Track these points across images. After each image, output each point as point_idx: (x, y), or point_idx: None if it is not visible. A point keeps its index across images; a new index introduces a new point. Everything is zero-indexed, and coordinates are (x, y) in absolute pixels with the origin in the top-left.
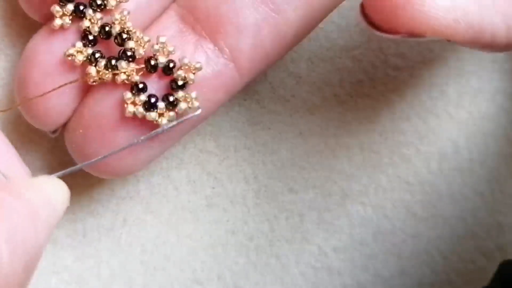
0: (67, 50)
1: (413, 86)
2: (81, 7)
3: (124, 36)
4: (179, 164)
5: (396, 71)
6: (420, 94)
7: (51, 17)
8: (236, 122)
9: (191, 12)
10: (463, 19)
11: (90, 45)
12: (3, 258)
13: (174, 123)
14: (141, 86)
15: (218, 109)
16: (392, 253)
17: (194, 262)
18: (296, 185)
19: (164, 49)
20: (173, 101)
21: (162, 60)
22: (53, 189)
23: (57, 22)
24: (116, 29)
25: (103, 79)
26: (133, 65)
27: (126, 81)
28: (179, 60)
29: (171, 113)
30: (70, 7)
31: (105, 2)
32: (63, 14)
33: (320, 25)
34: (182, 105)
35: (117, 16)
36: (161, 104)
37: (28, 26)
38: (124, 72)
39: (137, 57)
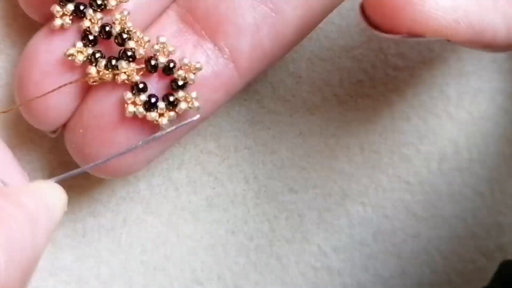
0: (67, 50)
1: (413, 86)
2: (81, 7)
3: (125, 36)
4: (179, 165)
5: (396, 71)
6: (420, 94)
7: (51, 17)
8: (237, 122)
9: (191, 12)
10: (463, 20)
11: (90, 45)
12: (0, 266)
13: (173, 127)
14: (141, 86)
15: (218, 109)
16: (392, 253)
17: (194, 262)
18: (296, 185)
19: (164, 49)
20: (173, 101)
21: (162, 60)
22: (51, 194)
23: (57, 22)
24: (116, 29)
25: (103, 79)
26: (133, 65)
27: (127, 81)
28: (179, 60)
29: (171, 113)
30: (70, 7)
31: (106, 2)
32: (63, 14)
33: (320, 25)
34: (183, 105)
35: (117, 16)
36: (161, 104)
37: (28, 26)
38: (125, 72)
39: (137, 57)
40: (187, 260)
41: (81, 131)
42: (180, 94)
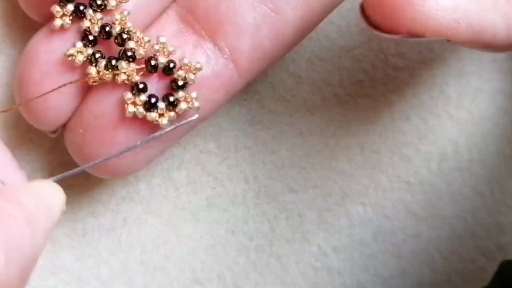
0: (67, 50)
1: (413, 86)
2: (81, 7)
3: (124, 36)
4: (179, 165)
5: (396, 71)
6: (420, 94)
7: (51, 17)
8: (237, 122)
9: (191, 12)
10: (464, 20)
11: (90, 45)
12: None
13: (172, 127)
14: (141, 86)
15: (218, 109)
16: (392, 253)
17: (194, 262)
18: (296, 185)
19: (164, 49)
20: (173, 101)
21: (162, 60)
22: (50, 193)
23: (57, 22)
24: (116, 29)
25: (103, 79)
26: (133, 65)
27: (127, 81)
28: (179, 60)
29: (172, 113)
30: (70, 7)
31: (105, 2)
32: (63, 14)
33: (320, 25)
34: (183, 105)
35: (117, 16)
36: (161, 104)
37: (28, 26)
38: (125, 72)
39: (137, 57)
40: (187, 260)
41: (81, 131)
42: (180, 94)
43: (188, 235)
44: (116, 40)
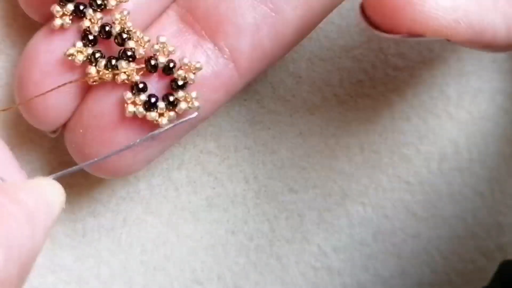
0: (67, 50)
1: (413, 86)
2: (81, 7)
3: (124, 36)
4: (179, 165)
5: (396, 71)
6: (420, 94)
7: (51, 17)
8: (237, 122)
9: (191, 12)
10: (464, 20)
11: (90, 45)
12: None
13: (171, 125)
14: (141, 86)
15: (218, 109)
16: (392, 253)
17: (194, 262)
18: (296, 185)
19: (164, 49)
20: (173, 101)
21: (162, 60)
22: (50, 191)
23: (57, 22)
24: (116, 29)
25: (103, 79)
26: (133, 65)
27: (126, 81)
28: (179, 60)
29: (171, 113)
30: (70, 7)
31: (105, 2)
32: (63, 14)
33: (320, 25)
34: (182, 105)
35: (117, 16)
36: (161, 104)
37: (28, 26)
38: (124, 72)
39: (137, 57)
40: (187, 260)
41: (81, 131)
42: (180, 94)
43: (188, 235)
44: (116, 40)
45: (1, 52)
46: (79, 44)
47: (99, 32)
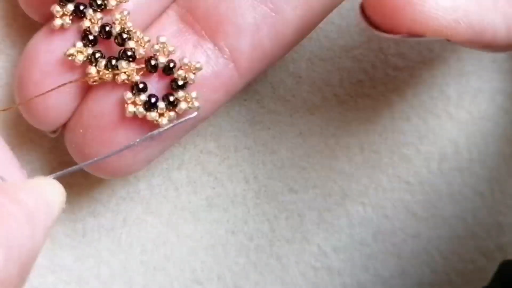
0: (68, 50)
1: (413, 86)
2: (81, 7)
3: (125, 36)
4: (179, 165)
5: (396, 71)
6: (420, 94)
7: (51, 17)
8: (237, 122)
9: (191, 12)
10: (464, 20)
11: (90, 45)
12: None
13: (171, 125)
14: (141, 86)
15: (218, 109)
16: (392, 253)
17: (194, 262)
18: (296, 185)
19: (164, 49)
20: (173, 101)
21: (162, 60)
22: (50, 191)
23: (57, 22)
24: (116, 29)
25: (103, 79)
26: (133, 65)
27: (127, 81)
28: (179, 60)
29: (171, 113)
30: (70, 7)
31: (106, 2)
32: (63, 14)
33: (320, 25)
34: (183, 105)
35: (117, 16)
36: (161, 104)
37: (28, 26)
38: (125, 72)
39: (137, 57)
40: (187, 260)
41: (81, 131)
42: (180, 94)
43: (188, 235)
44: (116, 40)
45: (1, 52)
46: (79, 44)
47: (99, 32)
